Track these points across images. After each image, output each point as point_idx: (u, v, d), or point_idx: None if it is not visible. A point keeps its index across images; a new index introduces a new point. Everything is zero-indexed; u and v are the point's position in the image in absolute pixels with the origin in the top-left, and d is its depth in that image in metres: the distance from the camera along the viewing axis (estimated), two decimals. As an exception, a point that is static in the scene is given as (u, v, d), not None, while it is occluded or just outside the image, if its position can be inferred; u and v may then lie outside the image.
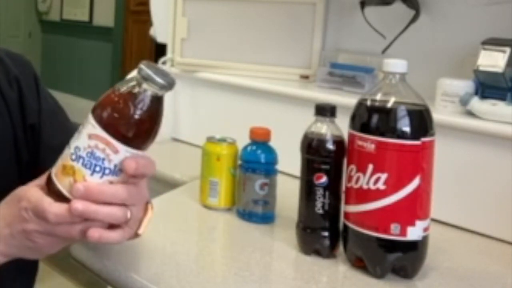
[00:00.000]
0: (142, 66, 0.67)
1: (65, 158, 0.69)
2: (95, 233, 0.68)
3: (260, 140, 1.09)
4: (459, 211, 1.10)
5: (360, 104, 0.88)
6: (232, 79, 1.52)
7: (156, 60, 1.70)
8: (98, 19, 5.25)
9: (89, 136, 0.67)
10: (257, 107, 1.46)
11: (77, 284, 2.58)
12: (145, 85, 0.66)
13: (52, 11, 5.70)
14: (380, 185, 0.84)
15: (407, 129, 0.83)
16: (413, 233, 0.84)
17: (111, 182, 0.68)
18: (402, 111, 0.84)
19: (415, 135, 0.83)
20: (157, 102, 0.68)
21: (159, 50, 1.81)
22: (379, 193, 0.84)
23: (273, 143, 1.10)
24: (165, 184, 1.36)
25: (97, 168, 0.67)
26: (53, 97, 1.00)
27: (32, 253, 0.74)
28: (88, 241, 0.69)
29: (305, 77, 1.48)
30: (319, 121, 0.93)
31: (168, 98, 1.80)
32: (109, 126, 0.66)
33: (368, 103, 0.87)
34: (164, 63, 1.66)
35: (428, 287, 0.86)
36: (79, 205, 0.66)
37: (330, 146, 0.91)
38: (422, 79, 1.04)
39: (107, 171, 0.67)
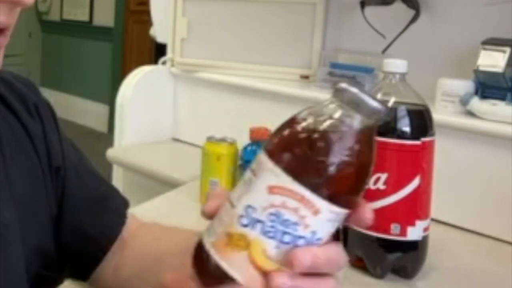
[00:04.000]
0: (346, 86, 0.46)
1: (230, 222, 0.46)
2: None
3: (260, 140, 1.09)
4: (459, 211, 1.10)
5: (360, 104, 0.88)
6: (232, 79, 1.52)
7: (156, 60, 1.70)
8: (98, 19, 5.25)
9: (271, 190, 0.44)
10: (257, 107, 1.46)
11: (78, 285, 2.58)
12: (352, 114, 0.45)
13: (52, 11, 5.70)
14: (380, 185, 0.84)
15: (407, 129, 0.83)
16: (413, 233, 0.84)
17: None
18: (402, 111, 0.84)
19: (415, 135, 0.83)
20: (369, 136, 0.46)
21: (159, 50, 1.81)
22: (379, 193, 0.84)
23: (273, 143, 1.10)
24: (165, 184, 1.36)
25: (286, 238, 0.44)
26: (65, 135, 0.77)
27: None
28: None
29: (305, 77, 1.48)
30: (319, 121, 0.93)
31: (168, 98, 1.81)
32: (304, 175, 0.44)
33: (368, 103, 0.87)
34: (164, 63, 1.66)
35: (428, 287, 0.86)
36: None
37: (330, 146, 0.91)
38: (422, 79, 1.04)
39: (301, 242, 0.44)
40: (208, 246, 0.47)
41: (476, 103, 1.09)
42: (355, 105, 0.45)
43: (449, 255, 0.98)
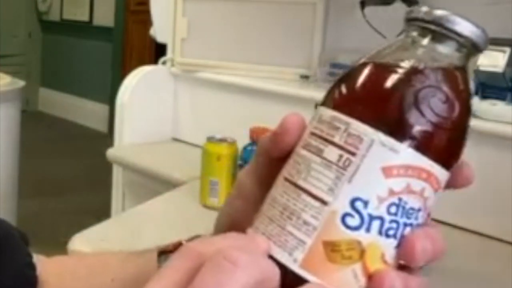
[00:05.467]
0: (446, 14, 0.34)
1: (326, 227, 0.32)
2: None
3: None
4: (459, 211, 1.10)
5: (360, 104, 0.88)
6: (232, 79, 1.52)
7: (156, 60, 1.70)
8: (98, 19, 5.25)
9: (389, 172, 0.32)
10: (257, 107, 1.46)
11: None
12: (452, 50, 0.34)
13: (52, 11, 5.70)
14: (380, 185, 0.83)
15: (407, 129, 0.83)
16: (413, 233, 0.84)
17: None
18: (402, 111, 0.84)
19: (415, 135, 0.83)
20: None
21: (159, 50, 1.81)
22: (379, 193, 0.84)
23: (273, 143, 1.10)
24: (165, 184, 1.36)
25: (406, 231, 0.33)
26: None
27: None
28: None
29: (305, 77, 1.48)
30: (319, 121, 0.93)
31: (168, 98, 1.81)
32: (431, 142, 0.33)
33: (368, 103, 0.87)
34: (164, 63, 1.66)
35: (428, 287, 0.86)
36: None
37: (330, 146, 0.91)
38: (422, 79, 1.04)
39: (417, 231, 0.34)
40: (294, 267, 0.32)
41: (476, 103, 1.09)
42: (458, 39, 0.34)
43: (449, 255, 0.98)
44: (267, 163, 0.37)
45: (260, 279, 0.30)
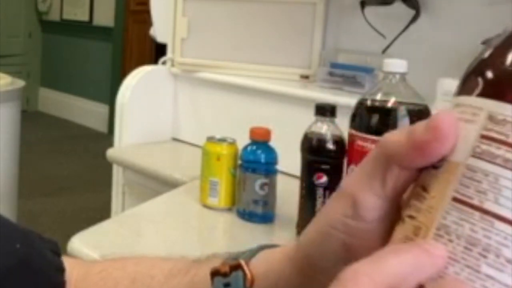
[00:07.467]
0: None
1: None
2: None
3: (260, 140, 1.09)
4: None
5: (360, 104, 0.89)
6: (232, 79, 1.52)
7: (156, 60, 1.70)
8: (98, 19, 5.25)
9: None
10: (257, 107, 1.46)
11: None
12: None
13: (52, 11, 5.70)
14: (380, 185, 0.83)
15: (407, 129, 0.83)
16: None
17: None
18: (402, 111, 0.84)
19: (415, 135, 0.83)
20: None
21: (159, 50, 1.81)
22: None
23: (273, 143, 1.10)
24: (165, 184, 1.36)
25: None
26: None
27: None
28: None
29: (305, 77, 1.47)
30: (319, 121, 0.93)
31: (168, 98, 1.80)
32: None
33: (368, 103, 0.87)
34: (164, 63, 1.66)
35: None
36: None
37: (330, 146, 0.91)
38: (422, 79, 1.04)
39: None
40: None
41: None
42: None
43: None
44: (401, 174, 0.30)
45: None
